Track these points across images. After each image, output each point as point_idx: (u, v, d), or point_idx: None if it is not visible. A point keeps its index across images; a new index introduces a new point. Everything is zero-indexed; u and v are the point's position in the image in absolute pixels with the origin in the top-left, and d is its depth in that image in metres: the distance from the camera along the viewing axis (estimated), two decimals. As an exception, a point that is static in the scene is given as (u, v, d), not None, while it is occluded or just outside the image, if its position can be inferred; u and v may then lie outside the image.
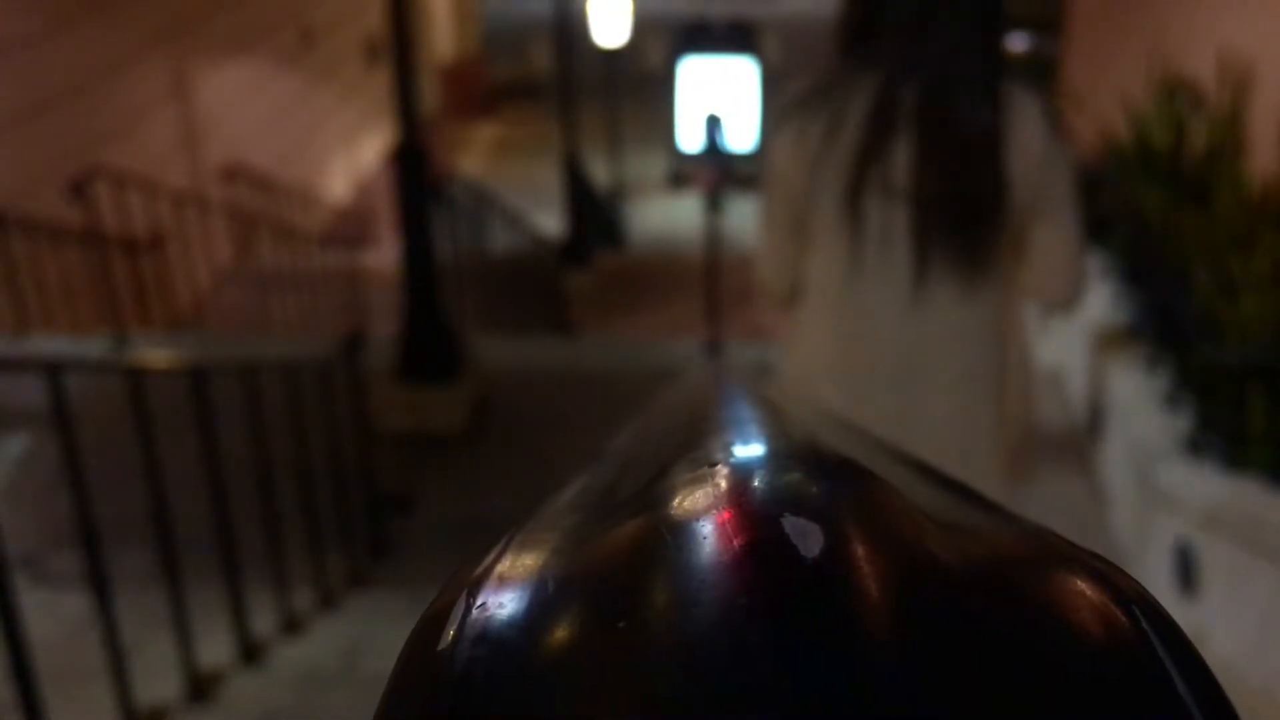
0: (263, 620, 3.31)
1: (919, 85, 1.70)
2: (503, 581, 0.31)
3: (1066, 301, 1.88)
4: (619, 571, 0.29)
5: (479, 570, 0.32)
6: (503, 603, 0.30)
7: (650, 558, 0.29)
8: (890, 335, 1.80)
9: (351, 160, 10.21)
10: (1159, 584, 3.36)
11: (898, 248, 1.75)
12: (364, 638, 3.40)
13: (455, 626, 0.29)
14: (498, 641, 0.28)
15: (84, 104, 6.08)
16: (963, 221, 1.73)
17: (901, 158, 1.72)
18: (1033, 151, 1.72)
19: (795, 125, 1.79)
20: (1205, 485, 3.33)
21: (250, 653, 3.20)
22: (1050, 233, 1.78)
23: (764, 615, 0.26)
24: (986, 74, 1.72)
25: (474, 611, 0.30)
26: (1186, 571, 3.29)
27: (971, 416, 1.83)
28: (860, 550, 0.28)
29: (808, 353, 1.91)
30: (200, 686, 3.00)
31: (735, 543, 0.28)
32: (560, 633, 0.28)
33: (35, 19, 5.75)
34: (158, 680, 2.97)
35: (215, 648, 3.13)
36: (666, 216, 11.56)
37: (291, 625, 3.41)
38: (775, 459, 0.36)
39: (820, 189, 1.77)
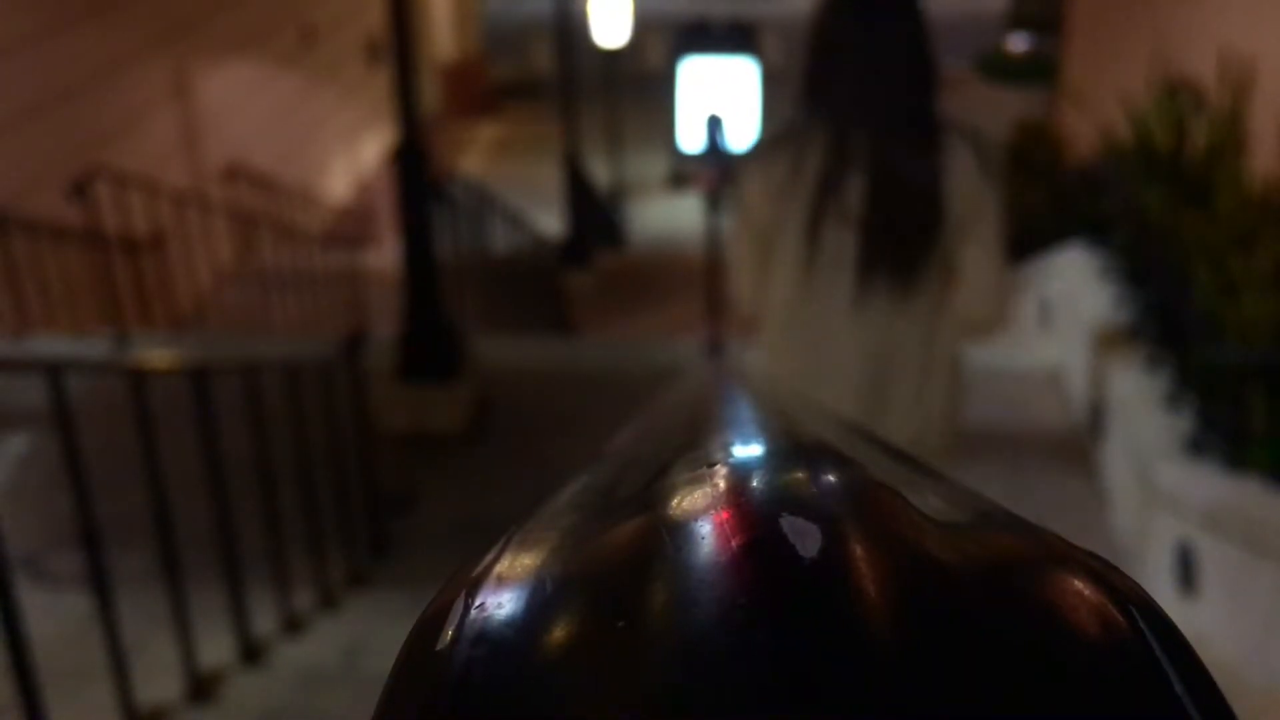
0: (263, 620, 3.31)
1: (867, 133, 1.98)
2: (501, 581, 0.31)
3: (992, 321, 2.12)
4: (618, 571, 0.29)
5: (477, 570, 0.32)
6: (501, 603, 0.30)
7: (649, 557, 0.29)
8: (836, 342, 2.10)
9: (352, 160, 10.21)
10: (1159, 584, 3.36)
11: (845, 269, 2.03)
12: (364, 637, 3.40)
13: (454, 626, 0.29)
14: (496, 642, 0.28)
15: (85, 104, 6.08)
16: (901, 247, 2.01)
17: (853, 193, 1.98)
18: (964, 190, 1.99)
19: (763, 164, 2.08)
20: (1206, 486, 3.33)
21: (251, 652, 3.20)
22: (978, 259, 2.03)
23: (763, 615, 0.26)
24: (923, 123, 2.01)
25: (472, 611, 0.30)
26: (1187, 572, 3.29)
27: (907, 409, 2.14)
28: (858, 550, 0.28)
29: (774, 355, 2.22)
30: (201, 686, 3.01)
31: (734, 542, 0.28)
32: (559, 633, 0.28)
33: (36, 19, 5.75)
34: (158, 680, 2.97)
35: (216, 647, 3.13)
36: (667, 216, 11.56)
37: (292, 625, 3.41)
38: (774, 459, 0.36)
39: (785, 219, 2.04)
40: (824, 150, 1.99)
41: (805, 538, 0.28)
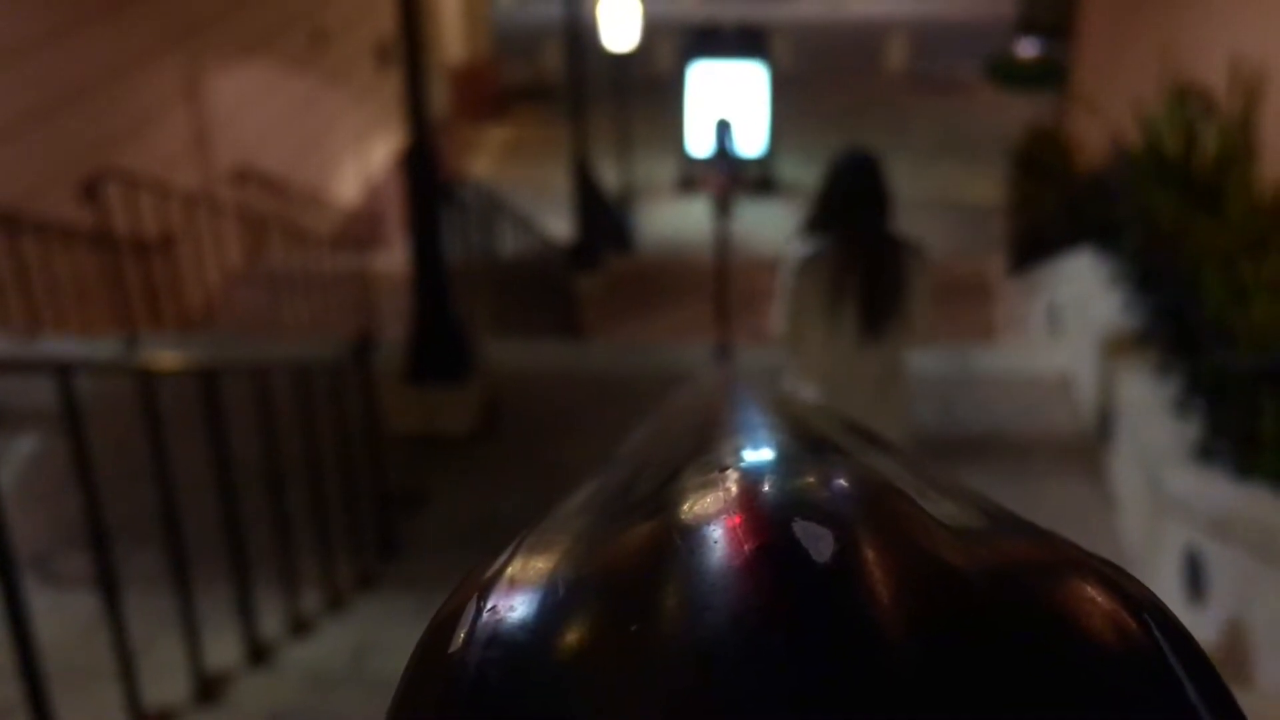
0: (271, 621, 3.32)
1: (859, 245, 3.29)
2: (513, 584, 0.31)
3: (923, 346, 3.53)
4: (631, 575, 0.29)
5: (490, 573, 0.32)
6: (514, 605, 0.30)
7: (662, 561, 0.29)
8: (845, 368, 3.40)
9: (362, 162, 10.23)
10: (1168, 591, 3.35)
11: (849, 324, 3.33)
12: (372, 639, 3.40)
13: (466, 629, 0.29)
14: (509, 644, 0.28)
15: (96, 106, 6.10)
16: (881, 313, 3.31)
17: (852, 283, 3.29)
18: (912, 280, 3.31)
19: (804, 270, 3.32)
20: (1215, 492, 3.32)
21: (258, 653, 3.20)
22: (921, 317, 3.35)
23: (776, 619, 0.26)
24: (889, 243, 3.31)
25: (485, 614, 0.30)
26: (1195, 578, 3.28)
27: (886, 410, 3.45)
28: (871, 554, 0.28)
29: (806, 375, 3.50)
30: (208, 687, 3.01)
31: (747, 547, 0.28)
32: (572, 636, 0.28)
33: (48, 21, 5.77)
34: (166, 681, 2.98)
35: (224, 648, 3.14)
36: (676, 220, 11.56)
37: (300, 626, 3.41)
38: (786, 463, 0.36)
39: (813, 297, 3.33)
40: (834, 260, 3.30)
41: (818, 542, 0.28)
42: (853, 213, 3.28)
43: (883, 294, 3.29)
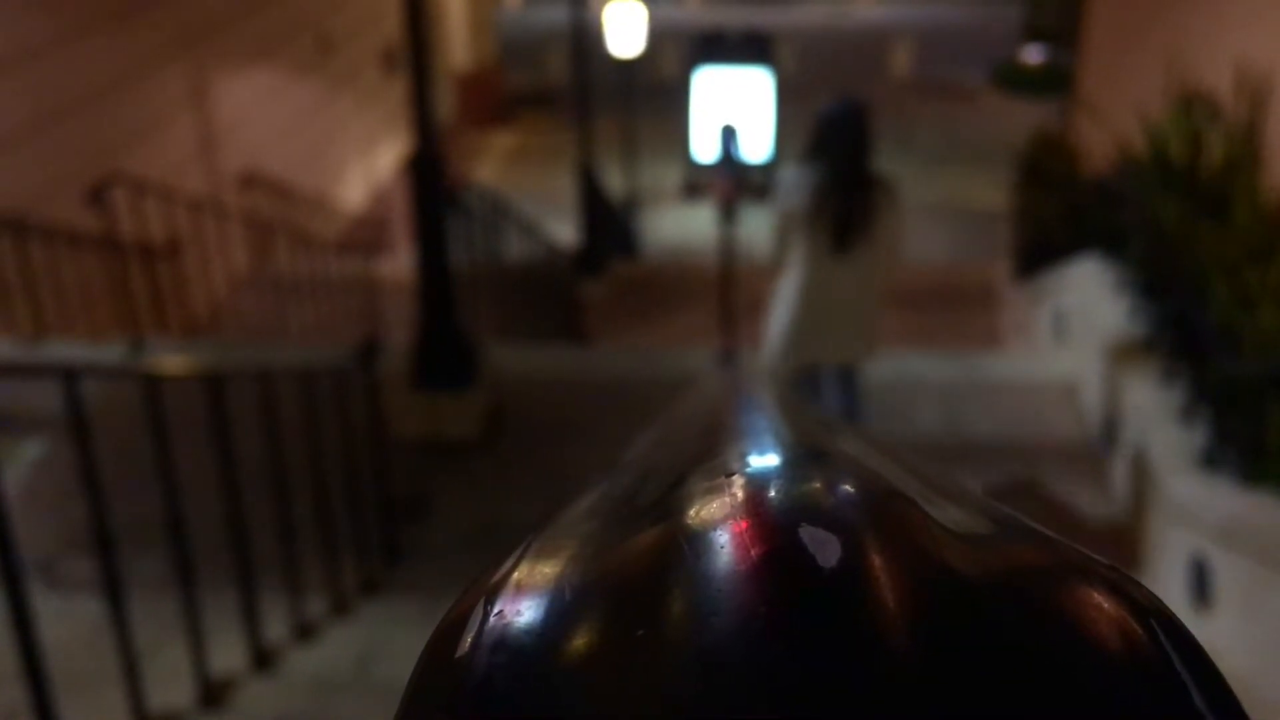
0: (276, 626, 3.32)
1: (840, 180, 3.84)
2: (520, 589, 0.31)
3: (894, 274, 4.11)
4: (637, 580, 0.29)
5: (496, 577, 0.32)
6: (520, 610, 0.30)
7: (669, 566, 0.29)
8: (823, 279, 3.94)
9: (368, 168, 10.24)
10: (1173, 598, 3.34)
11: (825, 237, 3.88)
12: (377, 644, 3.40)
13: (473, 633, 0.30)
14: (516, 649, 0.28)
15: (103, 111, 6.12)
16: (852, 232, 3.87)
17: (831, 207, 3.85)
18: (883, 209, 3.88)
19: (792, 188, 3.93)
20: (1221, 499, 3.32)
21: (263, 659, 3.21)
22: (892, 245, 3.95)
23: (783, 625, 0.26)
24: (865, 177, 3.87)
25: (492, 619, 0.30)
26: (1201, 586, 3.28)
27: (860, 322, 4.06)
28: (878, 561, 0.28)
29: (787, 289, 4.04)
30: (213, 692, 3.01)
31: (753, 552, 0.28)
32: (578, 641, 0.28)
33: (55, 26, 5.79)
34: (171, 685, 2.98)
35: (228, 653, 3.14)
36: (681, 226, 11.56)
37: (305, 631, 3.41)
38: (792, 469, 0.36)
39: (799, 216, 3.90)
40: (818, 187, 3.87)
41: (825, 548, 0.28)
42: (836, 148, 3.84)
43: (855, 215, 3.85)
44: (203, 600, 3.00)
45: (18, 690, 2.46)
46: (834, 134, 3.85)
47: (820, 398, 4.26)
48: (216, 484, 3.08)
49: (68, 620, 3.23)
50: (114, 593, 2.71)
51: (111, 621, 2.74)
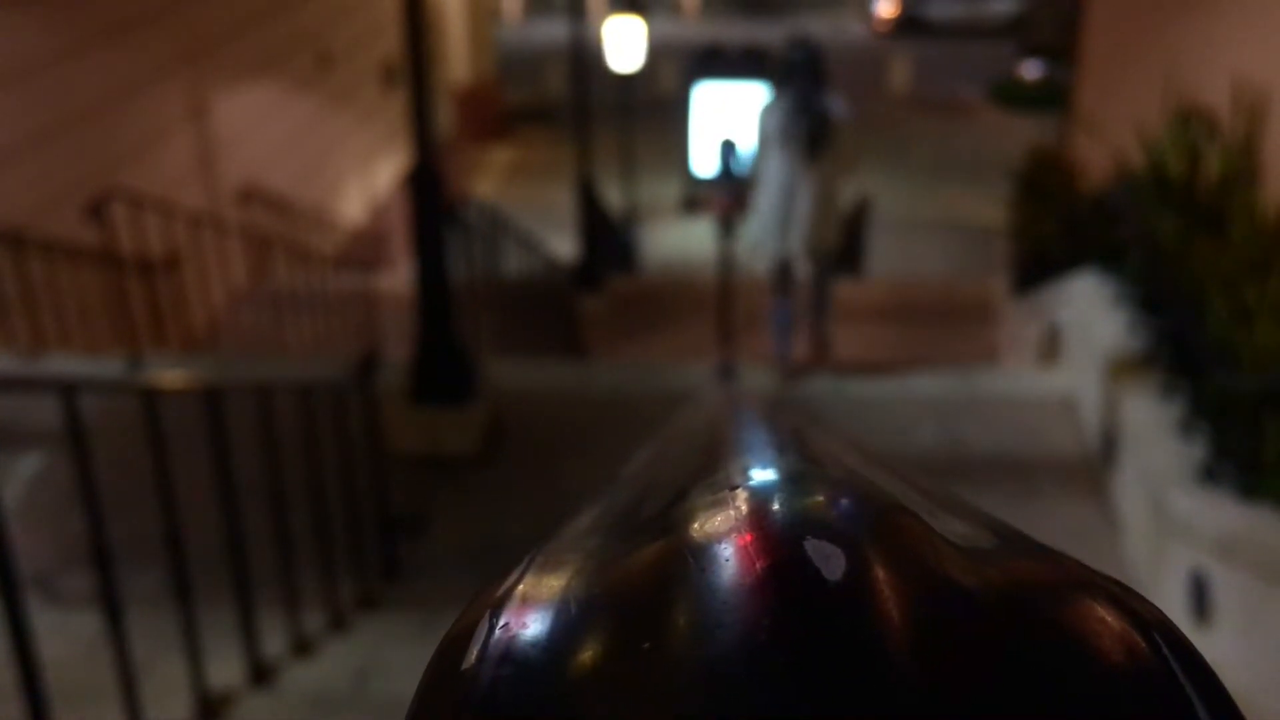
0: (273, 641, 3.31)
1: (803, 105, 5.02)
2: (525, 602, 0.31)
3: (850, 177, 5.34)
4: (642, 593, 0.29)
5: (501, 590, 0.32)
6: (526, 623, 0.30)
7: (673, 580, 0.29)
8: (790, 186, 5.05)
9: (367, 183, 10.26)
10: (1173, 613, 3.32)
11: (795, 149, 4.99)
12: (375, 660, 3.39)
13: (478, 647, 0.30)
14: (521, 662, 0.28)
15: (102, 126, 6.13)
16: (816, 146, 4.99)
17: (796, 127, 4.99)
18: (840, 128, 5.05)
19: (767, 113, 5.13)
20: (1219, 514, 3.32)
21: (260, 674, 3.20)
22: (848, 155, 5.15)
23: (787, 638, 0.26)
24: (821, 101, 5.02)
25: (497, 631, 0.30)
26: (1200, 600, 3.27)
27: (820, 218, 5.12)
28: (882, 574, 0.28)
29: (765, 194, 5.16)
30: (210, 707, 3.00)
31: (758, 565, 0.28)
32: (584, 654, 0.28)
33: (55, 42, 5.80)
34: (168, 701, 2.97)
35: (226, 668, 3.13)
36: (680, 241, 11.58)
37: (302, 647, 3.40)
38: (796, 482, 0.36)
39: (773, 135, 5.07)
40: (786, 110, 5.02)
41: (829, 561, 0.28)
42: (799, 80, 5.02)
43: (817, 131, 4.98)
44: (200, 615, 2.99)
45: (15, 705, 2.45)
46: (796, 70, 5.02)
47: (793, 297, 5.41)
48: (215, 499, 3.08)
49: (65, 635, 3.22)
50: (112, 607, 2.71)
51: (109, 636, 2.73)
